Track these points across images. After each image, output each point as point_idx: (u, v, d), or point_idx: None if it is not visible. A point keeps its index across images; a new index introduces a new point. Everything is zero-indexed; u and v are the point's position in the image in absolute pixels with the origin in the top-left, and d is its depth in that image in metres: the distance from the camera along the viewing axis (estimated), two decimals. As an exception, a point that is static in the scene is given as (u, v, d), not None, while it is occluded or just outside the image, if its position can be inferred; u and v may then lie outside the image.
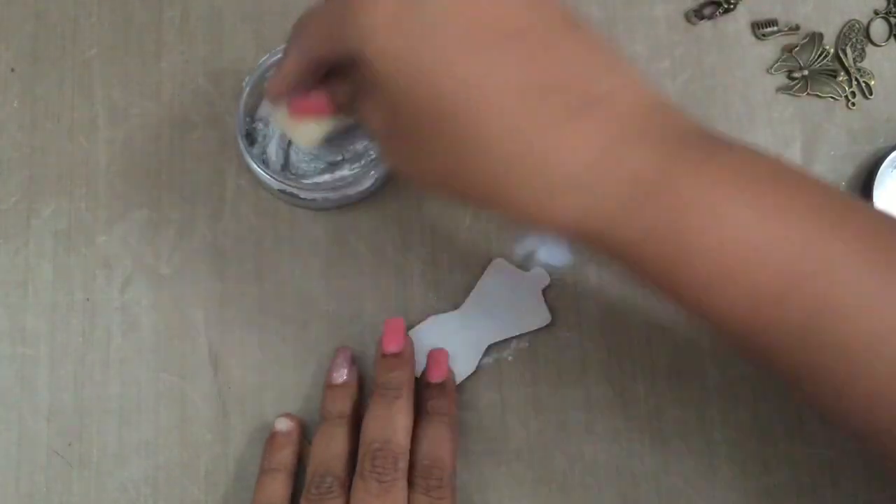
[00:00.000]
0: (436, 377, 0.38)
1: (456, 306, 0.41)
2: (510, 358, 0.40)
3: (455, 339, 0.40)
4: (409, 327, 0.40)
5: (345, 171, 0.40)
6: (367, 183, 0.40)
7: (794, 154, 0.44)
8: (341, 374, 0.39)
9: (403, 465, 0.35)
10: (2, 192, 0.42)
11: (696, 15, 0.45)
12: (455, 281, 0.41)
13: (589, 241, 0.29)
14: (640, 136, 0.28)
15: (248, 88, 0.40)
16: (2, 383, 0.40)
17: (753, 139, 0.44)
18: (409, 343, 0.39)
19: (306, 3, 0.45)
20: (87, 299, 0.41)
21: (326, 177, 0.40)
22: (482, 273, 0.41)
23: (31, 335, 0.40)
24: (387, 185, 0.42)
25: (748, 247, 0.27)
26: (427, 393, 0.38)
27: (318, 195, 0.40)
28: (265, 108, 0.41)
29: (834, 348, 0.27)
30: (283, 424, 0.38)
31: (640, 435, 0.40)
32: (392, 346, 0.38)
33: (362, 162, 0.40)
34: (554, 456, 0.39)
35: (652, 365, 0.40)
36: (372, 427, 0.36)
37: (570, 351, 0.41)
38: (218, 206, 0.42)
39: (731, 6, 0.45)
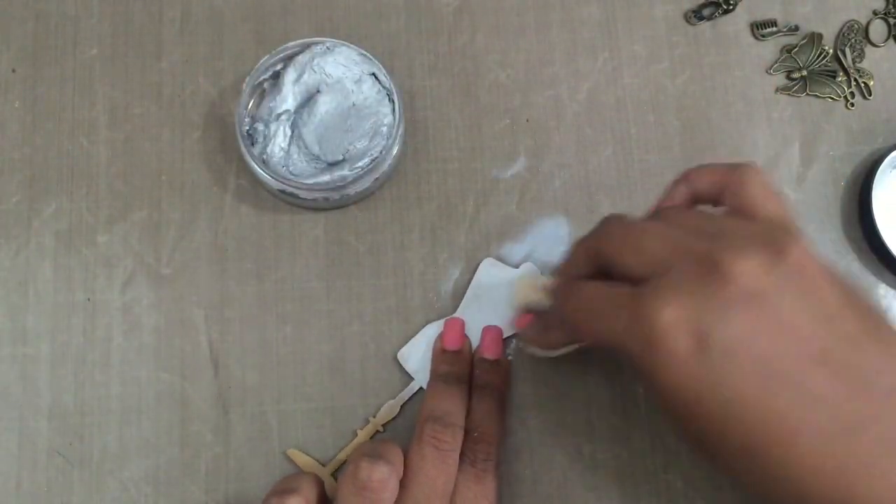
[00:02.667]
0: (491, 353, 0.39)
1: (455, 307, 0.41)
2: (510, 358, 0.40)
3: (477, 319, 0.40)
4: (411, 333, 0.41)
5: (345, 172, 0.40)
6: (366, 183, 0.40)
7: (793, 154, 0.44)
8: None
9: (460, 437, 0.36)
10: (3, 192, 0.42)
11: (696, 15, 0.45)
12: (455, 281, 0.41)
13: None
14: None
15: (248, 89, 0.40)
16: (3, 383, 0.40)
17: (753, 139, 0.44)
18: (468, 341, 0.40)
19: (306, 3, 0.46)
20: (88, 299, 0.41)
21: (326, 177, 0.40)
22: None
23: (31, 335, 0.40)
24: (386, 186, 0.42)
25: None
26: (480, 367, 0.39)
27: (318, 195, 0.40)
28: (265, 108, 0.41)
29: None
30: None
31: (640, 435, 0.40)
32: (453, 344, 0.40)
33: (362, 162, 0.40)
34: (554, 456, 0.39)
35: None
36: (432, 400, 0.37)
37: (570, 351, 0.41)
38: (218, 206, 0.42)
39: (731, 7, 0.45)
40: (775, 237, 0.29)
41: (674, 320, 0.27)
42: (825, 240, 0.42)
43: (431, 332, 0.40)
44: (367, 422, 0.39)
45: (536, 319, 0.39)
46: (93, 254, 0.41)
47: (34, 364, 0.40)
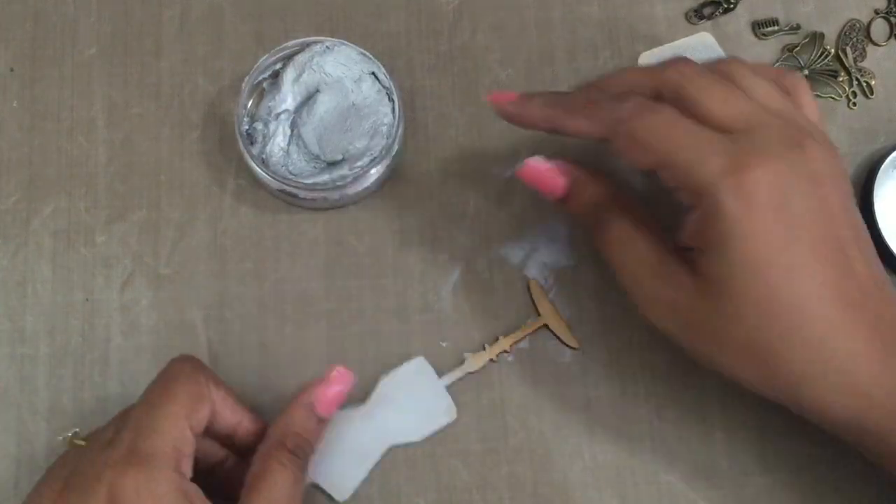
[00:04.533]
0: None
1: (455, 307, 0.41)
2: (510, 358, 0.40)
3: (353, 438, 0.38)
4: (411, 332, 0.41)
5: (344, 171, 0.40)
6: (366, 183, 0.40)
7: (794, 154, 0.44)
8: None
9: None
10: (2, 192, 0.42)
11: (696, 15, 0.45)
12: (455, 281, 0.41)
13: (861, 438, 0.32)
14: None
15: (247, 88, 0.40)
16: (2, 383, 0.40)
17: (754, 139, 0.44)
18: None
19: (305, 2, 0.45)
20: (87, 299, 0.41)
21: (326, 176, 0.40)
22: (480, 275, 0.41)
23: (30, 335, 0.40)
24: (386, 185, 0.42)
25: None
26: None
27: (317, 195, 0.40)
28: (264, 108, 0.41)
29: None
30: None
31: (640, 435, 0.40)
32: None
33: (362, 162, 0.40)
34: (554, 456, 0.39)
35: (652, 365, 0.40)
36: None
37: (570, 351, 0.41)
38: (218, 206, 0.42)
39: (732, 6, 0.45)
40: (825, 136, 0.33)
41: (770, 178, 0.30)
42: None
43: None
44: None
45: (541, 97, 0.36)
46: (91, 254, 0.41)
47: (33, 364, 0.40)
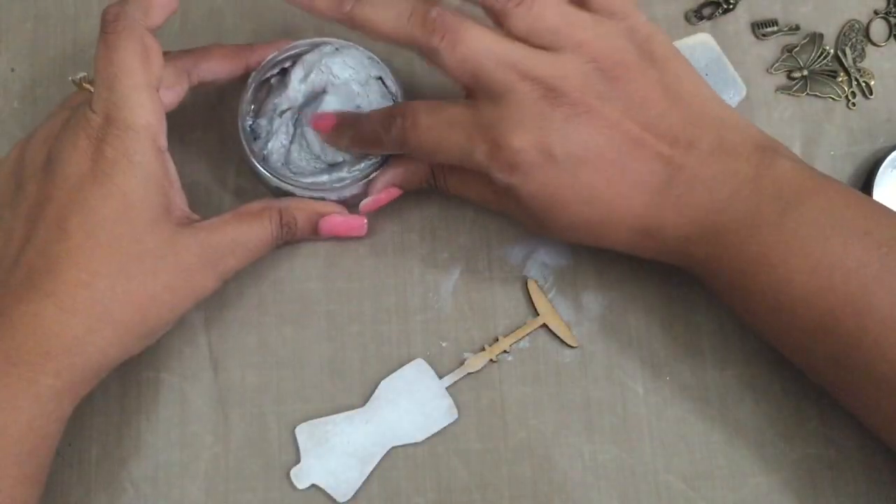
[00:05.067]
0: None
1: (455, 307, 0.41)
2: (510, 358, 0.40)
3: (354, 440, 0.39)
4: (411, 332, 0.41)
5: (343, 173, 0.40)
6: (363, 187, 0.40)
7: (794, 154, 0.44)
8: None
9: None
10: (2, 192, 0.42)
11: (696, 15, 0.45)
12: (455, 281, 0.41)
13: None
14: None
15: (253, 84, 0.40)
16: (2, 383, 0.40)
17: (753, 139, 0.44)
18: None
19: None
20: (88, 299, 0.41)
21: (325, 177, 0.40)
22: (480, 275, 0.41)
23: (31, 335, 0.40)
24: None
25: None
26: None
27: (314, 195, 0.40)
28: (269, 105, 0.41)
29: (866, 374, 0.32)
30: None
31: (640, 435, 0.40)
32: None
33: (362, 165, 0.40)
34: (554, 456, 0.39)
35: (652, 365, 0.40)
36: None
37: (570, 351, 0.41)
38: (218, 206, 0.42)
39: (731, 6, 0.45)
40: (598, 37, 0.34)
41: (526, 144, 0.33)
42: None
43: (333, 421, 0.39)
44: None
45: (349, 121, 0.39)
46: (92, 254, 0.41)
47: (34, 364, 0.40)
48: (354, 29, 0.36)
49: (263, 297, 0.41)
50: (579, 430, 0.40)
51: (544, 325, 0.40)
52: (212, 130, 0.43)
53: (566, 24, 0.34)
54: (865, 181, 0.43)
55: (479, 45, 0.34)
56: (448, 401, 0.39)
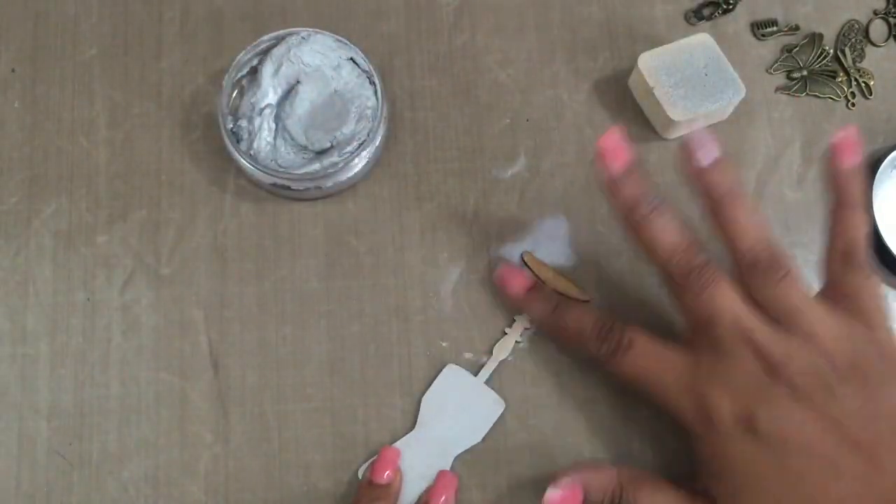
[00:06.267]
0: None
1: (455, 307, 0.41)
2: (510, 358, 0.40)
3: (419, 461, 0.39)
4: (411, 332, 0.41)
5: (334, 158, 0.40)
6: (357, 168, 0.40)
7: (793, 154, 0.44)
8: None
9: None
10: (2, 193, 0.42)
11: (696, 15, 0.45)
12: (455, 281, 0.41)
13: None
14: None
15: (227, 87, 0.40)
16: (2, 383, 0.40)
17: (753, 139, 0.44)
18: (400, 477, 0.38)
19: (305, 2, 0.46)
20: (88, 299, 0.41)
21: (316, 165, 0.40)
22: (480, 275, 0.41)
23: (31, 335, 0.40)
24: (386, 185, 0.42)
25: None
26: None
27: (310, 184, 0.40)
28: (247, 105, 0.41)
29: None
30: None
31: (640, 435, 0.40)
32: (381, 478, 0.37)
33: (350, 147, 0.40)
34: (554, 455, 0.39)
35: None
36: None
37: (570, 351, 0.41)
38: (218, 206, 0.42)
39: (731, 6, 0.45)
40: (837, 334, 0.33)
41: (730, 405, 0.33)
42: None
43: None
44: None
45: (551, 299, 0.38)
46: (92, 254, 0.41)
47: (34, 364, 0.40)
48: (636, 240, 0.35)
49: (263, 297, 0.41)
50: (579, 430, 0.40)
51: (554, 291, 0.41)
52: (212, 130, 0.43)
53: (806, 311, 0.33)
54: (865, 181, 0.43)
55: (724, 299, 0.34)
56: (491, 394, 0.40)
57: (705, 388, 0.33)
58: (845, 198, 0.35)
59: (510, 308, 0.41)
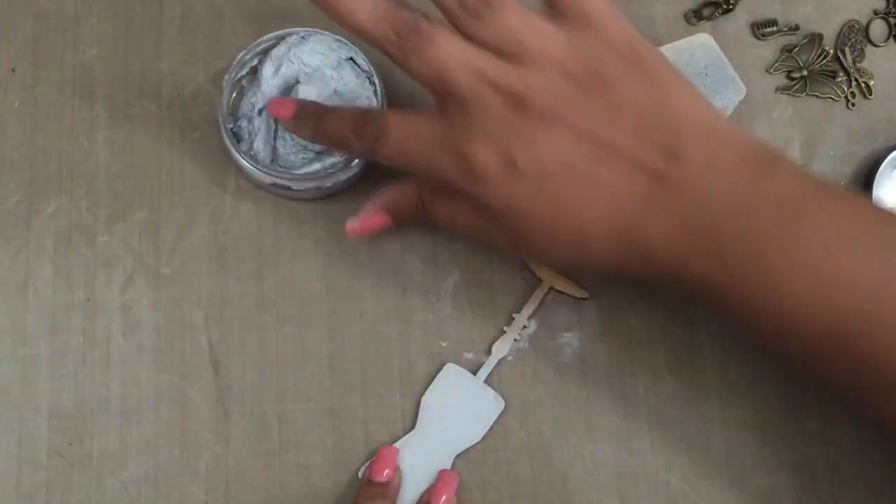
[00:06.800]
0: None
1: (455, 307, 0.41)
2: (510, 358, 0.40)
3: (419, 461, 0.39)
4: (411, 332, 0.41)
5: (335, 158, 0.40)
6: (356, 168, 0.40)
7: (793, 154, 0.44)
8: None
9: None
10: (2, 192, 0.42)
11: (696, 16, 0.45)
12: (455, 281, 0.41)
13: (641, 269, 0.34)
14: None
15: (227, 87, 0.40)
16: (2, 383, 0.40)
17: (753, 139, 0.44)
18: (399, 476, 0.38)
19: (306, 3, 0.45)
20: (88, 299, 0.41)
21: (316, 166, 0.40)
22: (480, 275, 0.41)
23: (31, 335, 0.40)
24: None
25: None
26: None
27: (310, 185, 0.40)
28: (246, 105, 0.41)
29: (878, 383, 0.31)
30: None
31: (640, 435, 0.40)
32: (380, 476, 0.37)
33: None
34: (554, 456, 0.39)
35: (652, 365, 0.40)
36: None
37: (570, 351, 0.41)
38: (218, 206, 0.42)
39: (731, 6, 0.45)
40: (567, 46, 0.33)
41: (489, 154, 0.32)
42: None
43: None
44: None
45: (311, 112, 0.37)
46: (92, 254, 0.41)
47: (34, 364, 0.40)
48: (328, 13, 0.34)
49: (264, 297, 0.41)
50: (579, 430, 0.40)
51: (552, 289, 0.41)
52: (212, 130, 0.43)
53: (530, 35, 0.33)
54: (865, 181, 0.43)
55: (447, 51, 0.32)
56: (490, 392, 0.40)
57: (462, 144, 0.33)
58: None
59: (531, 282, 0.41)
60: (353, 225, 0.38)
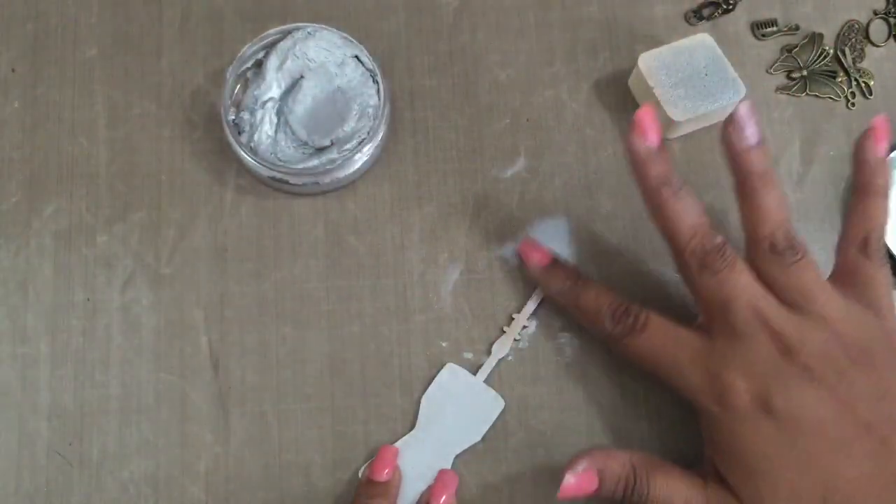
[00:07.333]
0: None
1: (455, 307, 0.41)
2: (510, 358, 0.40)
3: (419, 460, 0.39)
4: (411, 332, 0.41)
5: (333, 155, 0.40)
6: (356, 165, 0.40)
7: (793, 154, 0.44)
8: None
9: None
10: (2, 192, 0.42)
11: (696, 15, 0.45)
12: (455, 281, 0.41)
13: None
14: None
15: (230, 78, 0.40)
16: (2, 383, 0.40)
17: (753, 139, 0.44)
18: (399, 475, 0.39)
19: (306, 3, 0.46)
20: (88, 299, 0.41)
21: (315, 161, 0.40)
22: (480, 275, 0.41)
23: (31, 335, 0.40)
24: (386, 185, 0.42)
25: None
26: None
27: (307, 179, 0.40)
28: (250, 97, 0.41)
29: None
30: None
31: (640, 435, 0.40)
32: (380, 475, 0.38)
33: (350, 144, 0.40)
34: (554, 455, 0.39)
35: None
36: None
37: (570, 351, 0.41)
38: (218, 206, 0.42)
39: (731, 6, 0.45)
40: (848, 317, 0.33)
41: (746, 386, 0.33)
42: (825, 240, 0.42)
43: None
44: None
45: (570, 275, 0.38)
46: (92, 254, 0.41)
47: (34, 364, 0.40)
48: (658, 217, 0.35)
49: (264, 297, 0.41)
50: (579, 430, 0.40)
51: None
52: (212, 130, 0.43)
53: (820, 294, 0.34)
54: (865, 181, 0.43)
55: (738, 282, 0.34)
56: (490, 392, 0.40)
57: (720, 368, 0.33)
58: (869, 185, 0.36)
59: (530, 282, 0.41)
60: (568, 483, 0.35)
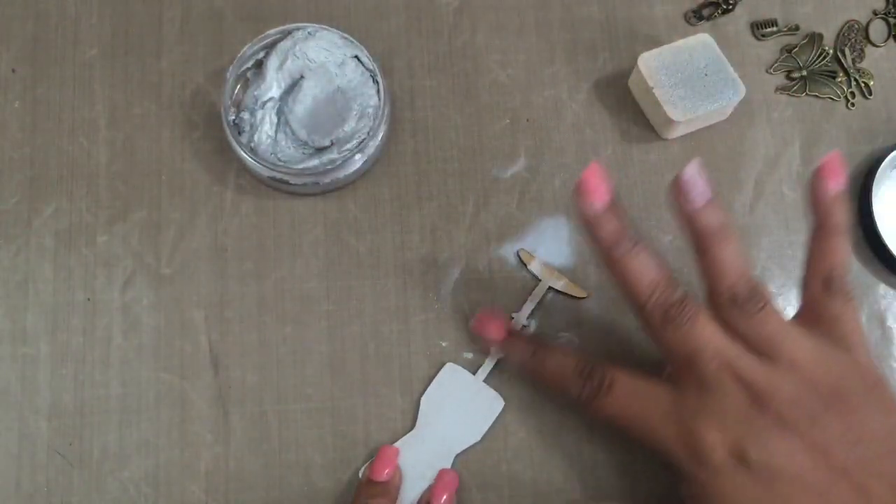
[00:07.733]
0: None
1: (455, 307, 0.41)
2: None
3: (419, 460, 0.39)
4: (411, 332, 0.41)
5: (333, 155, 0.40)
6: (356, 165, 0.40)
7: (793, 154, 0.44)
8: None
9: None
10: (3, 192, 0.42)
11: (696, 16, 0.45)
12: (455, 281, 0.41)
13: None
14: None
15: (231, 78, 0.40)
16: (3, 383, 0.40)
17: (753, 139, 0.44)
18: (399, 475, 0.38)
19: (305, 3, 0.46)
20: (88, 299, 0.41)
21: (315, 161, 0.40)
22: (480, 275, 0.41)
23: (31, 335, 0.40)
24: (386, 185, 0.42)
25: None
26: None
27: (307, 180, 0.40)
28: (250, 97, 0.41)
29: None
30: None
31: (640, 435, 0.40)
32: (381, 475, 0.38)
33: (350, 145, 0.40)
34: (554, 456, 0.39)
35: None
36: None
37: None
38: (218, 206, 0.42)
39: (730, 7, 0.45)
40: (819, 359, 0.33)
41: (720, 441, 0.32)
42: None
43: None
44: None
45: (529, 345, 0.38)
46: (93, 254, 0.41)
47: (34, 364, 0.40)
48: (615, 276, 0.35)
49: (263, 297, 0.41)
50: (579, 430, 0.40)
51: (551, 289, 0.41)
52: (212, 130, 0.43)
53: (786, 338, 0.33)
54: (864, 181, 0.43)
55: (703, 334, 0.33)
56: (490, 392, 0.40)
57: (692, 423, 0.33)
58: (828, 223, 0.35)
59: (530, 282, 0.41)
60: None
